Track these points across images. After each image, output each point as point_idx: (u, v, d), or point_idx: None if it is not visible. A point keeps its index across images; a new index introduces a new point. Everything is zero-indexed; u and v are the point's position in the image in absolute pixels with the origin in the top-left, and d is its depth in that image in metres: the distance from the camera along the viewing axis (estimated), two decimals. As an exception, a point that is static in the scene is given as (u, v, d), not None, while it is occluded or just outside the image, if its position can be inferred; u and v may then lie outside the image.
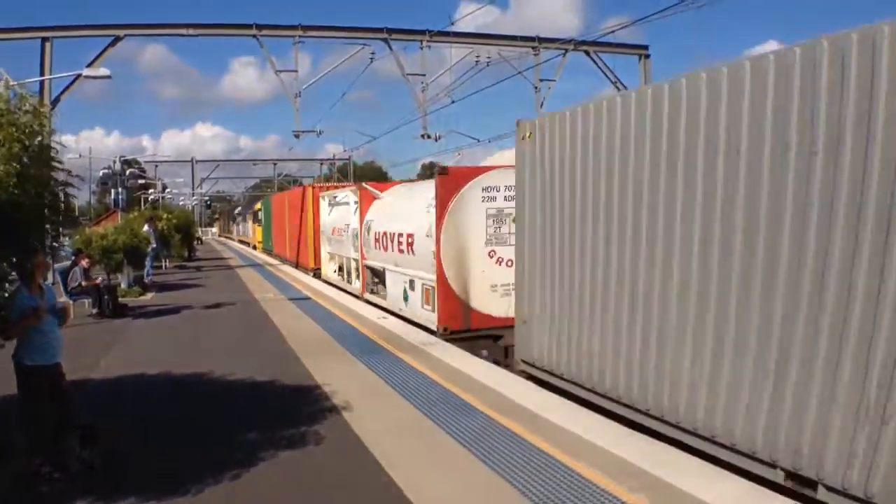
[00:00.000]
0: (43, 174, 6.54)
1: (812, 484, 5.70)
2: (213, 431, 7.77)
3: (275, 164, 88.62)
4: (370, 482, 6.23)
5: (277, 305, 18.51)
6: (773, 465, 6.03)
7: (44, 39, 26.09)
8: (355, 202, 20.56)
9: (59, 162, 6.87)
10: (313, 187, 29.24)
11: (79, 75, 23.05)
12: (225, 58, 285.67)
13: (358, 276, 20.65)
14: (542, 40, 30.12)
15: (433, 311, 14.05)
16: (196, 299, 19.95)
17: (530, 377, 10.06)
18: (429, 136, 29.20)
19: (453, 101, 29.17)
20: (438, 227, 13.56)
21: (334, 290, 22.20)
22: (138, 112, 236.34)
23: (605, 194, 8.38)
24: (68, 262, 17.76)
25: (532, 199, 10.14)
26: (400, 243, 16.37)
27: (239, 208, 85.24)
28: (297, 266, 31.52)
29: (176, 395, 9.59)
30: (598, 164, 8.47)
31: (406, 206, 17.15)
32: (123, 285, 21.75)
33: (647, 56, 31.56)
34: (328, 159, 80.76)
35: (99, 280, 17.99)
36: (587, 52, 30.60)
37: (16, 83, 7.99)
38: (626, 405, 8.03)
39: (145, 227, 26.02)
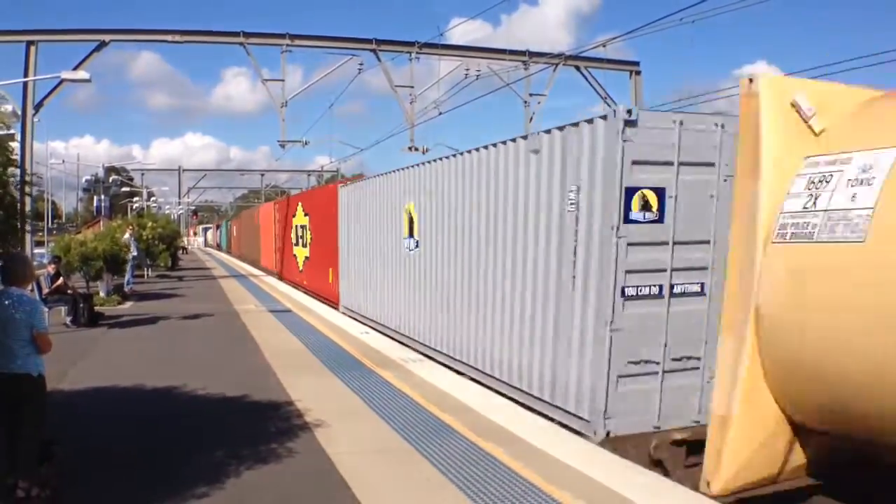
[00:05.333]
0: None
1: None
2: (179, 450, 7.38)
3: (262, 175, 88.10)
4: (339, 509, 5.88)
5: (257, 317, 18.13)
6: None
7: (28, 43, 25.71)
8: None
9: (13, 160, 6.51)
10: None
11: (61, 79, 22.65)
12: (217, 68, 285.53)
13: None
14: (531, 54, 29.93)
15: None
16: (175, 309, 19.53)
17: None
18: (416, 149, 28.89)
19: (441, 113, 28.88)
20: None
21: (316, 302, 21.92)
22: (129, 121, 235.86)
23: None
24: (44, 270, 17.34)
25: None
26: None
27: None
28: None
29: (144, 409, 9.18)
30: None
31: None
32: (102, 293, 21.33)
33: (638, 72, 31.41)
34: (316, 171, 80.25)
35: (60, 281, 17.30)
36: (577, 68, 30.42)
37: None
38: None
39: (126, 235, 25.62)
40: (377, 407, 9.04)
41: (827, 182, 6.00)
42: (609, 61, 31.28)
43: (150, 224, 33.16)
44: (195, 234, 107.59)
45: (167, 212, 79.24)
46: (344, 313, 19.29)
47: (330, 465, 6.83)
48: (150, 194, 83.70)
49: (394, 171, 15.59)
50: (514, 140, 9.91)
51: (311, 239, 25.33)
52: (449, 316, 12.32)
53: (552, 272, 8.89)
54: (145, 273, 32.26)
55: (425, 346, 13.36)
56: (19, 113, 23.93)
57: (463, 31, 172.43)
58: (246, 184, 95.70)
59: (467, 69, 29.53)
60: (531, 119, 30.21)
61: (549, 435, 7.88)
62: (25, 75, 25.07)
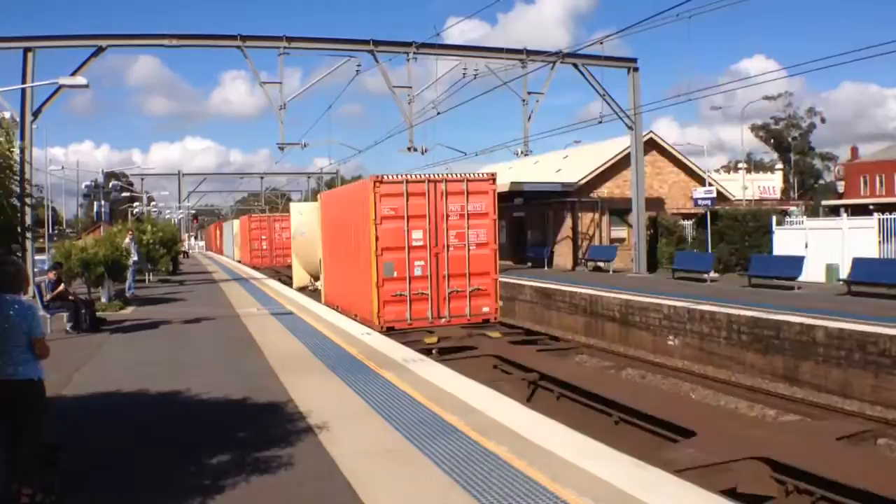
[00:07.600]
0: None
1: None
2: (182, 453, 7.38)
3: (262, 178, 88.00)
4: (344, 511, 5.86)
5: (259, 320, 18.12)
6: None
7: (26, 49, 25.73)
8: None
9: (14, 173, 6.50)
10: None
11: (59, 86, 22.65)
12: (215, 72, 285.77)
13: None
14: (529, 52, 29.94)
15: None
16: (177, 314, 19.54)
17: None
18: (415, 150, 28.91)
19: (439, 113, 28.90)
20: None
21: (317, 304, 21.99)
22: (128, 125, 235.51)
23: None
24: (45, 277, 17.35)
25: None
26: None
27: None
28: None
29: (147, 414, 9.21)
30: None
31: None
32: (104, 299, 21.33)
33: (636, 69, 31.39)
34: (315, 173, 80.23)
35: (62, 288, 17.26)
36: (575, 65, 30.40)
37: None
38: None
39: (126, 240, 25.62)
40: (379, 408, 9.02)
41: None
42: (606, 58, 31.22)
43: (150, 229, 33.17)
44: (195, 237, 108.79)
45: (168, 216, 79.29)
46: (227, 256, 63.58)
47: (333, 467, 6.81)
48: (150, 199, 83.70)
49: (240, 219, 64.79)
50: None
51: (219, 237, 77.34)
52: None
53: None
54: (146, 278, 32.28)
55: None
56: (18, 120, 23.93)
57: (460, 30, 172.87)
58: (246, 187, 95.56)
59: (465, 68, 29.54)
60: (530, 117, 30.20)
61: (557, 434, 7.86)
62: (23, 82, 25.12)
